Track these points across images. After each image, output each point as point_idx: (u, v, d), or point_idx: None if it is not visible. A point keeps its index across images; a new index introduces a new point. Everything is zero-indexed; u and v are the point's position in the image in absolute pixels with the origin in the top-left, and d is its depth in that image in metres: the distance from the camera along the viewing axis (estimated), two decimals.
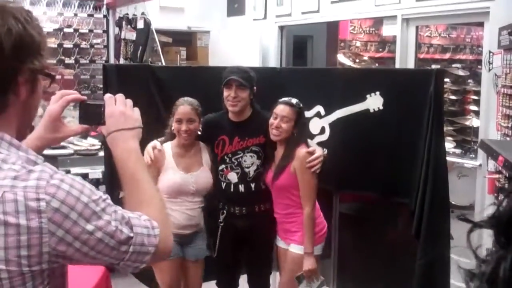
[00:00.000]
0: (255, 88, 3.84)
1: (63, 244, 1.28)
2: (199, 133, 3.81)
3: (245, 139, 3.83)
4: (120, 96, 1.69)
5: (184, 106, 3.72)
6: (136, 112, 1.69)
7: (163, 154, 3.74)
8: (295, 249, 3.71)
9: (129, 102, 1.69)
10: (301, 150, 3.62)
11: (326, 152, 3.76)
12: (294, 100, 3.71)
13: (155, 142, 3.74)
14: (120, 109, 1.64)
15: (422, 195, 3.47)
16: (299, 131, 3.70)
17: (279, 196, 3.73)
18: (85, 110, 1.69)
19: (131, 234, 1.37)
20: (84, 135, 6.62)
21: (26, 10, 1.37)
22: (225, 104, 3.82)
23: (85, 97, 1.74)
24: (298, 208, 3.66)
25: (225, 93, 3.78)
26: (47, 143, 1.73)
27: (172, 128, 3.75)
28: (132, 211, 1.44)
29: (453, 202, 5.91)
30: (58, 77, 7.41)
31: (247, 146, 3.84)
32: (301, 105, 3.72)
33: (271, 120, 3.68)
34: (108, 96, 1.68)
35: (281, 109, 3.66)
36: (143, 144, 4.02)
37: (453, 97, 8.61)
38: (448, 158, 3.86)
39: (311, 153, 3.62)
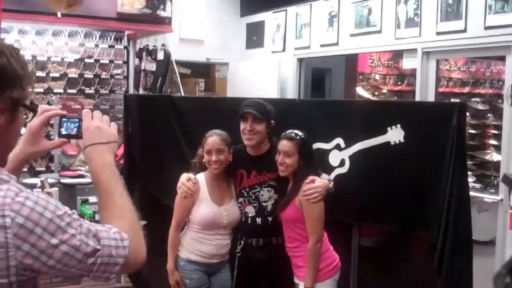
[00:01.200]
0: (272, 121, 3.82)
1: (29, 258, 1.36)
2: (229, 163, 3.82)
3: (262, 173, 3.82)
4: (97, 112, 1.75)
5: (213, 137, 3.75)
6: (113, 126, 1.74)
7: (198, 186, 3.76)
8: (301, 285, 3.64)
9: (106, 117, 1.74)
10: (304, 182, 3.57)
11: (332, 184, 3.67)
12: (295, 133, 3.66)
13: (189, 175, 3.77)
14: (96, 124, 1.69)
15: (445, 230, 3.40)
16: (305, 163, 3.63)
17: (286, 229, 3.69)
18: (64, 125, 1.77)
19: (98, 247, 1.43)
20: None
21: (14, 48, 1.49)
22: (242, 138, 3.80)
23: (64, 112, 1.81)
24: (304, 242, 3.59)
25: (242, 126, 3.78)
26: (28, 156, 1.82)
27: (203, 160, 3.79)
28: (103, 224, 1.51)
29: (473, 238, 5.82)
30: (77, 106, 7.47)
31: (264, 180, 3.83)
32: (304, 136, 3.66)
33: (276, 157, 3.66)
34: (85, 111, 1.74)
35: (283, 144, 3.63)
36: (164, 173, 4.08)
37: (472, 131, 8.54)
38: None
39: (310, 183, 3.56)
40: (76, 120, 1.74)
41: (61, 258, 1.38)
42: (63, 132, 1.77)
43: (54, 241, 1.37)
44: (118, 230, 1.50)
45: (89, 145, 1.67)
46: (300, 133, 3.67)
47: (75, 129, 1.74)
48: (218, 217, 3.76)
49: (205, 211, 3.75)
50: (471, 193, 6.18)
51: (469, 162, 7.75)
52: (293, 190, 3.64)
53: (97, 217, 5.46)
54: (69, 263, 1.40)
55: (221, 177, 3.84)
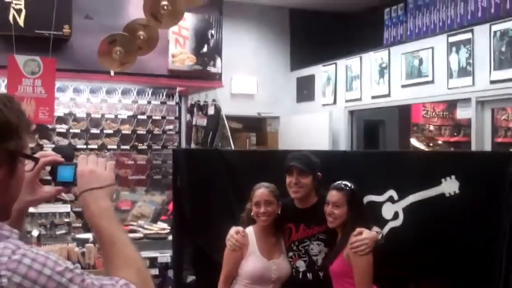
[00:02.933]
0: (319, 174, 3.77)
1: None
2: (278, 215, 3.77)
3: (311, 227, 3.76)
4: (92, 155, 1.70)
5: (262, 189, 3.73)
6: (109, 169, 1.67)
7: (247, 239, 3.73)
8: None
9: (102, 160, 1.68)
10: (352, 234, 3.48)
11: (381, 235, 3.56)
12: (345, 184, 3.60)
13: (238, 228, 3.76)
14: (90, 168, 1.64)
15: (505, 283, 3.24)
16: (354, 215, 3.54)
17: (336, 283, 3.58)
18: (60, 172, 1.71)
19: None
20: (155, 218, 6.67)
21: (8, 96, 1.45)
22: (288, 191, 3.76)
23: (60, 159, 1.75)
24: None
25: (287, 179, 3.75)
26: (25, 206, 1.74)
27: (252, 213, 3.75)
28: (108, 278, 1.43)
29: None
30: (131, 162, 7.59)
31: (313, 234, 3.77)
32: (353, 187, 3.59)
33: (325, 207, 3.61)
34: (81, 156, 1.69)
35: (332, 195, 3.58)
36: (214, 228, 4.04)
37: None
38: None
39: (357, 235, 3.46)
40: (72, 166, 1.68)
41: None
42: (59, 179, 1.72)
43: None
44: (126, 282, 1.43)
45: (84, 191, 1.61)
46: (349, 184, 3.61)
47: (70, 176, 1.67)
48: (267, 271, 3.69)
49: (253, 264, 3.69)
50: None
51: None
52: (341, 243, 3.56)
53: None
54: None
55: (270, 231, 3.79)
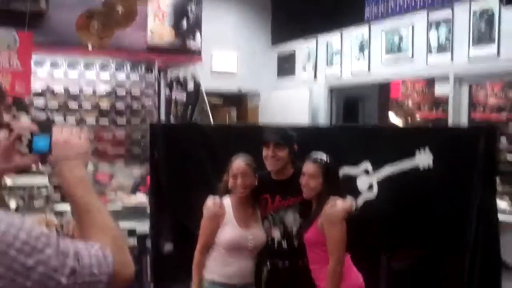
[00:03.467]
0: (295, 146, 3.81)
1: (5, 280, 1.30)
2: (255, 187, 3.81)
3: (286, 198, 3.82)
4: (67, 126, 1.71)
5: (239, 161, 3.75)
6: (84, 138, 1.67)
7: (223, 209, 3.77)
8: None
9: (76, 130, 1.68)
10: (328, 205, 3.55)
11: (355, 205, 3.61)
12: (320, 156, 3.66)
13: (215, 197, 3.79)
14: (65, 138, 1.63)
15: (473, 252, 3.32)
16: (329, 186, 3.60)
17: (309, 251, 3.65)
18: (35, 141, 1.70)
19: (77, 266, 1.37)
20: (134, 190, 6.68)
21: None
22: (265, 163, 3.80)
23: (35, 128, 1.73)
24: (326, 264, 3.55)
25: (264, 152, 3.79)
26: (0, 173, 1.77)
27: (229, 184, 3.78)
28: (83, 242, 1.44)
29: (508, 261, 5.64)
30: (110, 137, 7.57)
31: (288, 204, 3.82)
32: (328, 159, 3.64)
33: (300, 179, 3.66)
34: (56, 126, 1.69)
35: (307, 167, 3.63)
36: (190, 197, 4.05)
37: (511, 158, 8.31)
38: (505, 217, 3.70)
39: (332, 205, 3.53)
40: (47, 136, 1.67)
41: (38, 279, 1.32)
42: (34, 148, 1.71)
43: (30, 262, 1.31)
44: (101, 246, 1.44)
45: (59, 160, 1.61)
46: (325, 156, 3.66)
47: (46, 145, 1.66)
48: (243, 240, 3.74)
49: (230, 234, 3.74)
50: (509, 218, 6.04)
51: (506, 188, 7.56)
52: (315, 212, 3.62)
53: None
54: (48, 285, 1.34)
55: (246, 202, 3.82)
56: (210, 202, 3.77)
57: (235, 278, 3.76)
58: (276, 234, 3.83)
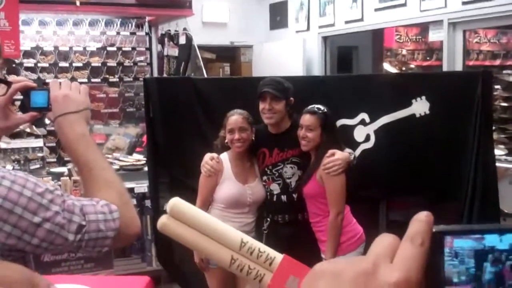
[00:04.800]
0: (291, 99, 3.78)
1: (12, 238, 1.30)
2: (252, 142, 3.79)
3: (284, 151, 3.80)
4: (66, 80, 1.65)
5: (235, 116, 3.73)
6: (83, 93, 1.62)
7: (221, 165, 3.76)
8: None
9: (75, 84, 1.62)
10: (325, 156, 3.53)
11: (353, 156, 3.60)
12: (318, 108, 3.62)
13: (212, 154, 3.77)
14: (64, 92, 1.58)
15: (471, 200, 3.33)
16: (327, 138, 3.58)
17: (309, 204, 3.67)
18: (32, 98, 1.65)
19: (84, 223, 1.37)
20: (130, 150, 6.66)
21: None
22: (262, 117, 3.78)
23: (33, 84, 1.68)
24: (326, 216, 3.57)
25: (261, 106, 3.75)
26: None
27: (226, 140, 3.76)
28: (89, 198, 1.43)
29: (505, 210, 5.67)
30: (102, 95, 7.49)
31: (287, 157, 3.81)
32: (326, 110, 3.61)
33: (298, 131, 3.64)
34: (53, 81, 1.64)
35: (305, 119, 3.61)
36: (188, 156, 4.05)
37: (504, 104, 8.30)
38: (501, 165, 3.70)
39: (330, 156, 3.51)
40: (45, 91, 1.62)
41: (45, 236, 1.33)
42: (32, 105, 1.65)
43: (36, 219, 1.31)
44: (107, 202, 1.43)
45: (58, 116, 1.56)
46: (322, 108, 3.62)
47: (44, 101, 1.61)
48: (242, 195, 3.75)
49: (229, 189, 3.74)
50: (504, 165, 6.06)
51: (501, 136, 7.58)
52: (314, 165, 3.61)
53: None
54: (55, 241, 1.34)
55: (244, 156, 3.82)
56: (208, 158, 3.75)
57: None
58: (275, 188, 3.82)
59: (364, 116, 4.05)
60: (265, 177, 3.85)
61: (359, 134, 4.07)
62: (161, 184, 4.43)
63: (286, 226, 3.81)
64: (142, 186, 5.63)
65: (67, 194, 1.40)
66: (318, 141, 3.58)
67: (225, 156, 3.80)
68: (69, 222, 1.35)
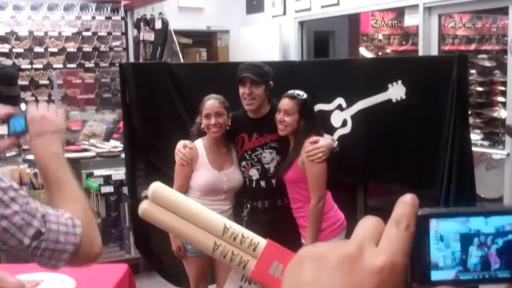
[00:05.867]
0: (271, 83, 3.77)
1: None
2: (228, 127, 3.76)
3: (263, 136, 3.79)
4: (43, 102, 1.70)
5: (211, 100, 3.69)
6: (60, 115, 1.66)
7: (196, 152, 3.72)
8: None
9: (53, 106, 1.67)
10: (307, 142, 3.51)
11: (336, 143, 3.62)
12: (297, 92, 3.60)
13: (185, 141, 3.74)
14: (41, 114, 1.62)
15: (447, 185, 3.36)
16: (306, 123, 3.55)
17: (290, 190, 3.65)
18: (12, 123, 1.71)
19: (43, 229, 1.34)
20: (107, 137, 6.62)
21: None
22: (242, 102, 3.77)
23: (11, 111, 1.73)
24: (307, 202, 3.56)
25: (240, 90, 3.74)
26: None
27: (202, 125, 3.72)
28: (55, 209, 1.42)
29: (482, 195, 5.75)
30: (78, 81, 7.42)
31: (265, 142, 3.80)
32: (305, 96, 3.59)
33: (276, 115, 3.61)
34: (30, 103, 1.71)
35: (284, 103, 3.57)
36: (164, 142, 4.03)
37: (480, 89, 8.41)
38: (476, 149, 3.74)
39: (313, 143, 3.50)
40: (23, 117, 1.67)
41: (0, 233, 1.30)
42: (11, 132, 1.71)
43: None
44: (72, 216, 1.41)
45: (35, 135, 1.59)
46: (302, 93, 3.61)
47: (22, 126, 1.66)
48: (218, 182, 3.72)
49: (204, 176, 3.71)
50: (480, 150, 6.15)
51: (477, 120, 7.69)
52: (294, 151, 3.59)
53: (102, 189, 5.49)
54: (9, 242, 1.31)
55: (220, 143, 3.79)
56: (181, 146, 3.72)
57: None
58: (254, 174, 3.81)
59: (340, 101, 4.05)
60: (244, 163, 3.83)
61: (336, 119, 4.08)
62: (138, 171, 4.42)
63: (266, 212, 3.80)
64: (119, 173, 5.60)
65: (32, 199, 1.37)
66: (295, 126, 3.55)
67: (200, 143, 3.76)
68: (27, 225, 1.32)
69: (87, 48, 7.52)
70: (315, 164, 3.47)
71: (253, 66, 3.78)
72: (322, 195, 3.52)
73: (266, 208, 3.81)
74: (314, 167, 3.48)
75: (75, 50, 7.43)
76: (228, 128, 3.76)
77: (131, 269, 3.37)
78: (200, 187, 3.71)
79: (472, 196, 3.42)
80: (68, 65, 7.39)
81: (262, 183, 3.80)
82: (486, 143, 7.22)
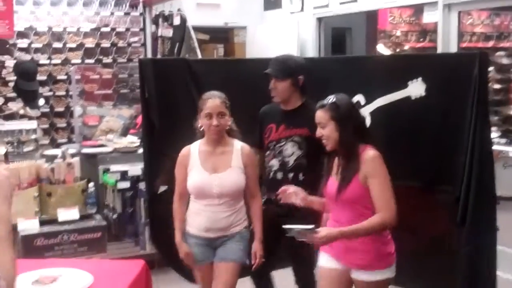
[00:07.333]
0: (300, 77, 3.80)
1: None
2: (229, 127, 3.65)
3: (290, 128, 3.81)
4: None
5: (213, 99, 3.50)
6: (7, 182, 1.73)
7: (189, 155, 3.60)
8: (363, 276, 3.12)
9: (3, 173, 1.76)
10: (370, 152, 3.07)
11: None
12: (326, 100, 3.15)
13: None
14: None
15: (467, 182, 3.34)
16: (345, 130, 3.09)
17: (345, 209, 3.12)
18: None
19: None
20: (124, 132, 6.65)
21: None
22: None
23: None
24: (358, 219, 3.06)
25: (270, 84, 3.81)
26: None
27: (200, 126, 3.57)
28: None
29: (499, 193, 5.70)
30: (96, 76, 7.45)
31: (290, 135, 3.81)
32: (334, 99, 3.14)
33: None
34: None
35: (316, 116, 3.17)
36: (183, 136, 4.03)
37: (497, 86, 8.36)
38: (494, 147, 3.71)
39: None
40: None
41: None
42: None
43: None
44: None
45: None
46: (331, 98, 3.17)
47: None
48: (206, 184, 3.50)
49: (193, 178, 3.55)
50: (497, 148, 6.09)
51: (494, 118, 7.63)
52: (350, 166, 3.09)
53: (119, 185, 5.51)
54: None
55: (218, 143, 3.58)
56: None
57: (206, 230, 3.57)
58: (275, 164, 3.83)
59: (360, 97, 4.03)
60: (268, 152, 3.87)
61: None
62: (156, 166, 4.43)
63: (280, 205, 3.64)
64: (136, 169, 5.61)
65: None
66: (336, 137, 3.11)
67: (195, 145, 3.63)
68: None
69: (105, 43, 7.56)
70: (378, 172, 3.06)
71: (276, 61, 3.84)
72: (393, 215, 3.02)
73: (278, 200, 3.69)
74: (377, 177, 3.05)
75: (94, 45, 7.47)
76: (228, 128, 3.59)
77: (147, 265, 3.39)
78: (191, 189, 3.58)
79: (492, 194, 3.39)
80: (86, 61, 7.43)
81: (279, 175, 3.82)
82: (503, 140, 7.17)
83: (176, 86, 4.32)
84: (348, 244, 3.08)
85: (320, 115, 3.15)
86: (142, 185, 5.42)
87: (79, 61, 7.40)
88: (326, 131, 3.13)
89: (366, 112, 4.00)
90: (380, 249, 3.09)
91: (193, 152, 3.60)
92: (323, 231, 3.00)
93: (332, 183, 3.19)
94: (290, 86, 3.77)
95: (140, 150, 5.51)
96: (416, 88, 3.70)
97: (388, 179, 3.08)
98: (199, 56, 7.39)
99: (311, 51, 8.05)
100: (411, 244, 3.99)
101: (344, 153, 3.13)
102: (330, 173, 3.25)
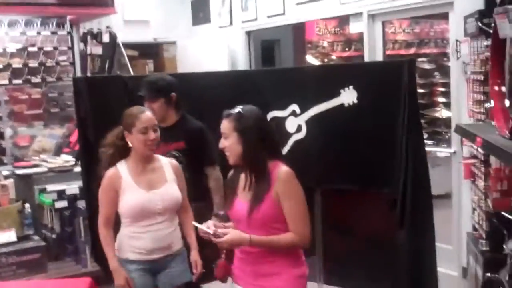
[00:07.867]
0: (172, 94, 4.01)
1: None
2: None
3: (167, 144, 3.91)
4: None
5: (146, 113, 3.41)
6: None
7: (118, 176, 3.40)
8: None
9: None
10: (282, 169, 2.83)
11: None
12: (234, 110, 2.89)
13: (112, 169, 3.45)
14: None
15: (404, 184, 3.49)
16: (251, 145, 2.81)
17: (256, 231, 2.81)
18: None
19: None
20: (57, 151, 6.56)
21: None
22: None
23: None
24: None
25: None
26: None
27: (129, 143, 3.41)
28: None
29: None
30: (25, 97, 7.31)
31: (168, 150, 3.94)
32: (242, 110, 2.86)
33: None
34: None
35: (221, 125, 2.90)
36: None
37: (421, 90, 8.70)
38: None
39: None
40: None
41: None
42: None
43: None
44: None
45: None
46: (239, 108, 2.90)
47: None
48: (147, 202, 3.36)
49: (131, 199, 3.37)
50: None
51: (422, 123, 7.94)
52: (260, 183, 2.83)
53: (56, 204, 5.43)
54: None
55: (149, 160, 3.48)
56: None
57: (151, 251, 3.42)
58: None
59: (294, 107, 4.16)
60: None
61: (290, 125, 4.18)
62: (95, 183, 4.40)
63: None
64: (73, 187, 5.57)
65: None
66: (240, 150, 2.84)
67: (121, 164, 3.44)
68: None
69: (33, 63, 7.39)
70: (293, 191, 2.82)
71: (147, 83, 4.08)
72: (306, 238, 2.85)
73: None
74: (292, 197, 2.81)
75: (21, 65, 7.29)
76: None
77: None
78: (129, 212, 3.39)
79: (428, 195, 3.55)
80: (14, 81, 7.25)
81: None
82: (429, 142, 7.49)
83: (112, 103, 4.31)
84: (258, 270, 2.88)
85: (224, 125, 2.87)
86: (80, 204, 5.38)
87: (6, 82, 7.22)
88: (229, 142, 2.85)
89: (301, 120, 4.13)
90: (292, 272, 2.89)
91: (123, 172, 3.41)
92: (229, 235, 2.78)
93: (241, 203, 2.90)
94: (162, 105, 3.99)
95: (76, 169, 5.46)
96: (348, 96, 3.85)
97: (303, 199, 2.85)
98: (131, 72, 7.37)
99: (242, 64, 8.15)
100: (350, 245, 4.14)
101: (251, 168, 2.85)
102: (235, 193, 2.96)
